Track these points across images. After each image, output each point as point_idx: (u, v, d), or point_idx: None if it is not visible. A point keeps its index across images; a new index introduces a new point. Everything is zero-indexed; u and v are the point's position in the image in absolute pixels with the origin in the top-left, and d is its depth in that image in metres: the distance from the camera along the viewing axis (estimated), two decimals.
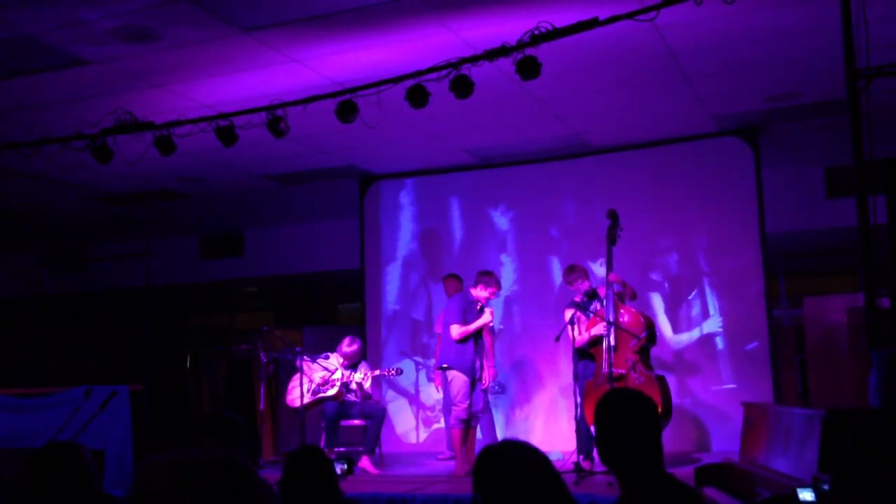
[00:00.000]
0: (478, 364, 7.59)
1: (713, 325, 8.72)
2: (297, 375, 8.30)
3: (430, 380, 9.55)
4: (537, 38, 5.55)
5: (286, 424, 10.16)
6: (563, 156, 9.37)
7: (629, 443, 2.57)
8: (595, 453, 5.80)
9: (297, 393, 8.22)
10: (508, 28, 5.81)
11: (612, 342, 7.06)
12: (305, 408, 8.16)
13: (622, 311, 7.20)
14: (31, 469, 2.85)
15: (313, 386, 8.24)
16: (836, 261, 11.51)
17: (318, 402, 8.19)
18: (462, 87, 5.97)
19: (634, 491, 2.56)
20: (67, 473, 2.83)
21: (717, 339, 8.70)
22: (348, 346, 8.27)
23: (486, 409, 7.87)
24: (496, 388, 7.53)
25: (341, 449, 8.28)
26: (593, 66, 6.88)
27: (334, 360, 8.31)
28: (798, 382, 9.39)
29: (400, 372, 8.54)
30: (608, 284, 7.18)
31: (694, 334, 8.79)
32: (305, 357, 8.24)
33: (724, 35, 6.32)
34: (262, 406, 9.18)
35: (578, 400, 7.10)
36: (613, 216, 7.39)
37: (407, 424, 9.77)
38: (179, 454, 1.83)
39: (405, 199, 10.15)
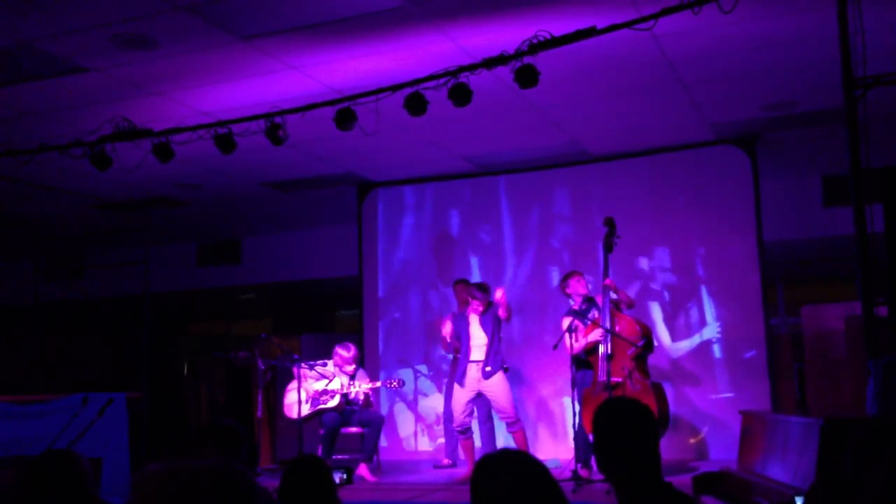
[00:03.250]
0: (467, 371, 7.57)
1: (711, 333, 8.73)
2: (294, 383, 8.27)
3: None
4: (535, 46, 5.56)
5: (284, 432, 10.14)
6: (562, 163, 9.39)
7: (627, 451, 2.58)
8: (593, 461, 5.80)
9: (294, 399, 8.19)
10: (507, 36, 5.82)
11: (609, 350, 7.07)
12: (304, 419, 8.13)
13: (619, 318, 7.21)
14: (28, 477, 2.85)
15: (311, 394, 8.19)
16: (834, 269, 11.51)
17: (318, 414, 8.15)
18: (460, 95, 5.98)
19: (632, 499, 2.56)
20: (65, 482, 2.82)
21: (714, 347, 8.70)
22: (346, 352, 8.23)
23: (488, 418, 7.88)
24: (486, 371, 7.50)
25: (339, 457, 8.26)
26: (591, 75, 6.90)
27: (332, 367, 8.29)
28: (796, 390, 9.38)
29: (402, 384, 8.49)
30: (605, 290, 7.20)
31: (692, 342, 8.79)
32: (303, 364, 8.21)
33: (722, 44, 6.34)
34: (259, 413, 9.16)
35: (576, 408, 7.10)
36: (610, 224, 7.41)
37: (405, 432, 9.76)
38: (178, 463, 1.83)
39: (403, 206, 10.15)
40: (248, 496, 1.82)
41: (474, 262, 9.70)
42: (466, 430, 7.53)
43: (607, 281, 7.21)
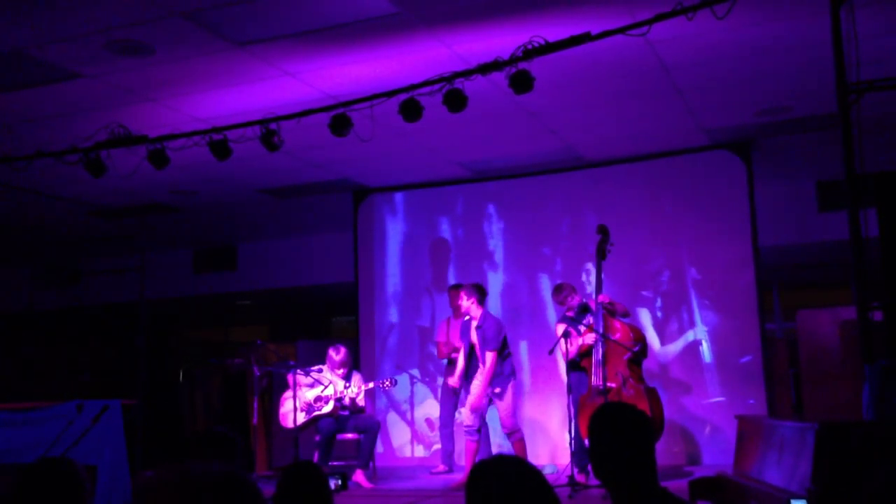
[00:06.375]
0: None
1: (706, 338, 8.73)
2: (288, 392, 8.25)
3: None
4: (530, 52, 5.57)
5: (279, 439, 10.12)
6: (556, 169, 9.40)
7: (623, 456, 2.58)
8: (590, 467, 5.80)
9: (289, 408, 8.17)
10: (501, 42, 5.83)
11: (601, 355, 7.09)
12: (300, 428, 8.11)
13: (614, 324, 7.22)
14: (23, 485, 2.83)
15: (304, 404, 8.17)
16: (829, 274, 11.53)
17: (314, 421, 8.14)
18: (455, 100, 5.99)
19: None
20: (60, 490, 2.81)
21: (710, 352, 8.70)
22: (335, 354, 8.21)
23: (482, 423, 7.88)
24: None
25: (335, 463, 8.25)
26: (586, 81, 6.91)
27: (327, 374, 8.27)
28: (791, 395, 9.40)
29: (394, 383, 8.52)
30: (598, 302, 7.21)
31: (687, 348, 8.79)
32: (299, 371, 8.20)
33: (716, 49, 6.36)
34: (255, 420, 9.14)
35: (572, 413, 7.10)
36: (604, 231, 7.42)
37: (400, 438, 9.74)
38: (181, 468, 1.83)
39: (399, 212, 10.15)
40: (253, 501, 1.82)
41: (469, 267, 9.69)
42: (477, 431, 7.58)
43: (602, 298, 7.21)
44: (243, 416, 10.67)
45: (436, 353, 9.15)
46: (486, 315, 7.59)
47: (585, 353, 7.24)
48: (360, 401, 8.24)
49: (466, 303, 7.58)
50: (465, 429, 7.61)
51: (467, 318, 7.66)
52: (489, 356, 7.39)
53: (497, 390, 7.46)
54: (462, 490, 2.32)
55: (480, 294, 7.65)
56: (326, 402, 8.12)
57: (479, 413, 7.58)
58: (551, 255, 9.48)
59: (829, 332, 8.57)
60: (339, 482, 7.34)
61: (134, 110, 7.09)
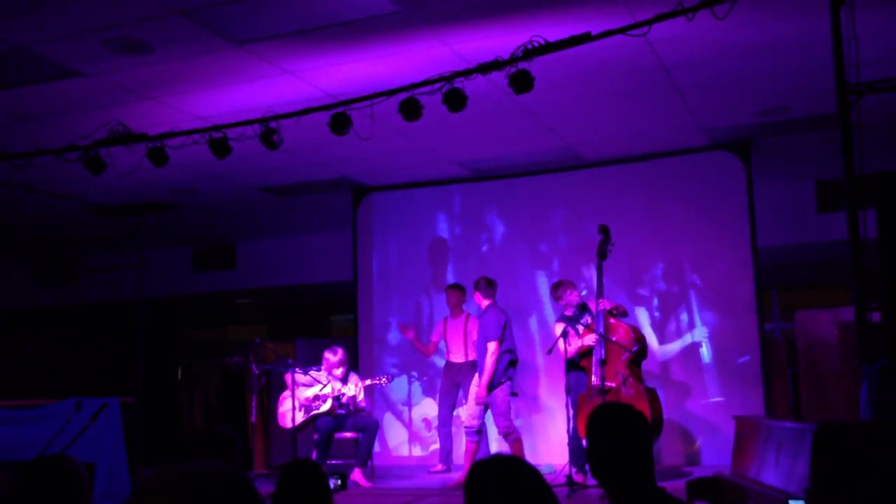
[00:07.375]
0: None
1: (704, 338, 8.73)
2: (286, 392, 8.25)
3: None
4: (530, 52, 5.58)
5: (278, 437, 10.12)
6: (556, 169, 9.40)
7: (620, 456, 2.58)
8: (588, 467, 5.80)
9: (287, 407, 8.16)
10: (502, 42, 5.84)
11: (603, 355, 7.08)
12: (299, 428, 8.11)
13: (613, 323, 7.22)
14: (22, 483, 2.84)
15: (304, 402, 8.17)
16: (828, 274, 11.53)
17: (312, 420, 8.14)
18: (455, 100, 5.99)
19: None
20: (59, 487, 2.81)
21: (708, 352, 8.71)
22: (332, 355, 8.21)
23: (483, 423, 7.88)
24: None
25: (333, 462, 8.24)
26: (586, 80, 6.91)
27: (324, 375, 8.27)
28: (790, 395, 9.39)
29: (391, 379, 8.52)
30: (598, 303, 7.20)
31: (685, 348, 8.80)
32: (297, 369, 8.19)
33: (716, 49, 6.37)
34: (253, 419, 9.14)
35: (571, 413, 7.10)
36: (605, 231, 7.42)
37: (398, 437, 9.74)
38: (181, 468, 1.83)
39: (398, 211, 10.15)
40: (253, 501, 1.83)
41: (468, 267, 9.69)
42: (477, 432, 7.59)
43: (603, 305, 7.19)
44: (242, 414, 10.67)
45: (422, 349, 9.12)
46: (488, 308, 7.62)
47: (585, 352, 7.24)
48: (361, 401, 8.24)
49: (476, 298, 7.73)
50: (466, 429, 7.61)
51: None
52: (489, 346, 7.40)
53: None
54: (460, 489, 2.32)
55: (486, 287, 7.70)
56: (324, 401, 8.12)
57: (481, 411, 7.57)
58: (549, 254, 9.48)
59: (827, 333, 8.56)
60: (339, 482, 7.32)
61: (133, 108, 7.09)
